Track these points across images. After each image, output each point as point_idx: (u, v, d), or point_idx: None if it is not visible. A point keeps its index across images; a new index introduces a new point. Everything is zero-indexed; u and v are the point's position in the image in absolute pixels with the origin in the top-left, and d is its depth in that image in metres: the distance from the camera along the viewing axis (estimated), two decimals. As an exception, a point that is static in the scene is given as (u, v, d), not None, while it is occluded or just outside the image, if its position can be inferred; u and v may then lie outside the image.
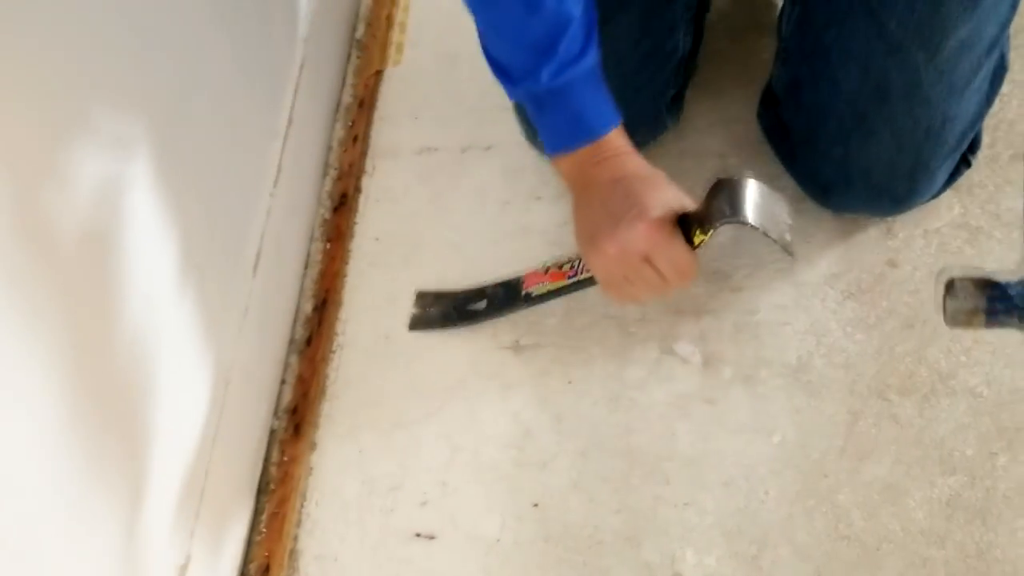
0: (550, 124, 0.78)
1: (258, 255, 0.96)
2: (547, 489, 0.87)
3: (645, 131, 0.96)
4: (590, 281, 0.86)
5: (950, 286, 0.61)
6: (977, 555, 0.77)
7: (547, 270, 0.94)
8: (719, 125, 1.03)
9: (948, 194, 0.93)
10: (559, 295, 0.92)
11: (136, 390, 0.76)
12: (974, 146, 0.88)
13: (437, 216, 1.06)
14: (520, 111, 0.95)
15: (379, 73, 1.18)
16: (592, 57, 0.74)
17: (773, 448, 0.84)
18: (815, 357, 0.88)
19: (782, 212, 0.72)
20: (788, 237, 0.71)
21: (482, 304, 0.97)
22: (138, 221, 0.76)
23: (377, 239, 1.07)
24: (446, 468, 0.91)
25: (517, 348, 0.95)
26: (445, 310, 0.99)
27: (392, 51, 1.19)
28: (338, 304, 1.03)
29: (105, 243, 0.71)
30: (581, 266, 0.89)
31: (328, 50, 1.15)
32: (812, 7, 0.83)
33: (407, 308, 1.00)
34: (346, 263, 1.06)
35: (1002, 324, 0.61)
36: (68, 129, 0.66)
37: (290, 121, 1.05)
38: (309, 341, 1.02)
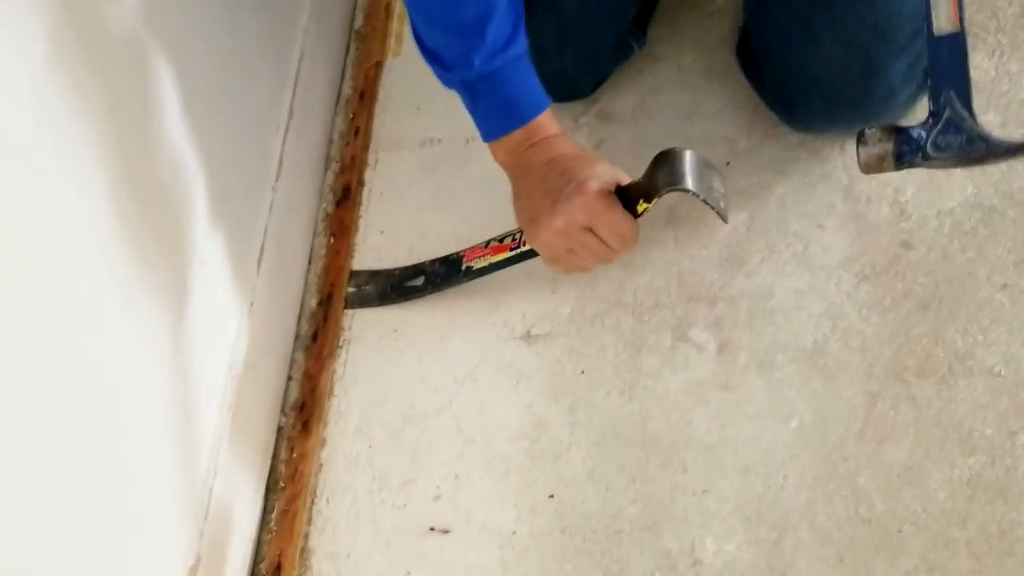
0: (483, 111, 0.80)
1: (261, 250, 0.94)
2: (562, 480, 0.86)
3: (610, 55, 0.99)
4: (532, 253, 0.87)
5: (860, 135, 0.68)
6: (999, 535, 0.76)
7: (488, 244, 0.93)
8: (727, 111, 1.02)
9: (960, 175, 0.92)
10: (500, 267, 0.92)
11: (142, 391, 0.74)
12: None
13: (443, 208, 1.04)
14: None
15: (379, 64, 1.17)
16: (520, 43, 0.77)
17: (791, 433, 0.83)
18: (831, 341, 0.87)
19: (717, 181, 0.77)
20: (723, 204, 0.77)
21: (419, 280, 0.97)
22: (138, 218, 0.75)
23: (382, 232, 1.05)
24: (459, 461, 0.89)
25: (528, 338, 0.94)
26: (381, 288, 1.00)
27: (392, 41, 1.18)
28: (343, 299, 1.02)
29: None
30: (522, 238, 0.89)
31: (327, 41, 1.14)
32: None
33: (415, 302, 0.99)
34: (351, 257, 1.04)
35: (910, 164, 0.67)
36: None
37: (290, 114, 1.03)
38: (315, 337, 1.00)
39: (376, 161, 1.10)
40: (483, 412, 0.91)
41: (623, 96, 1.06)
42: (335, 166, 1.11)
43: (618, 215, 0.76)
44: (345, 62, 1.18)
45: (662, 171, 0.76)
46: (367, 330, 0.99)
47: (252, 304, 0.92)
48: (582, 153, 0.79)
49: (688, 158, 0.76)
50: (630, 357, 0.90)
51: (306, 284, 1.04)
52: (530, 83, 0.80)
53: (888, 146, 0.67)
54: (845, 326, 0.87)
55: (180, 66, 0.82)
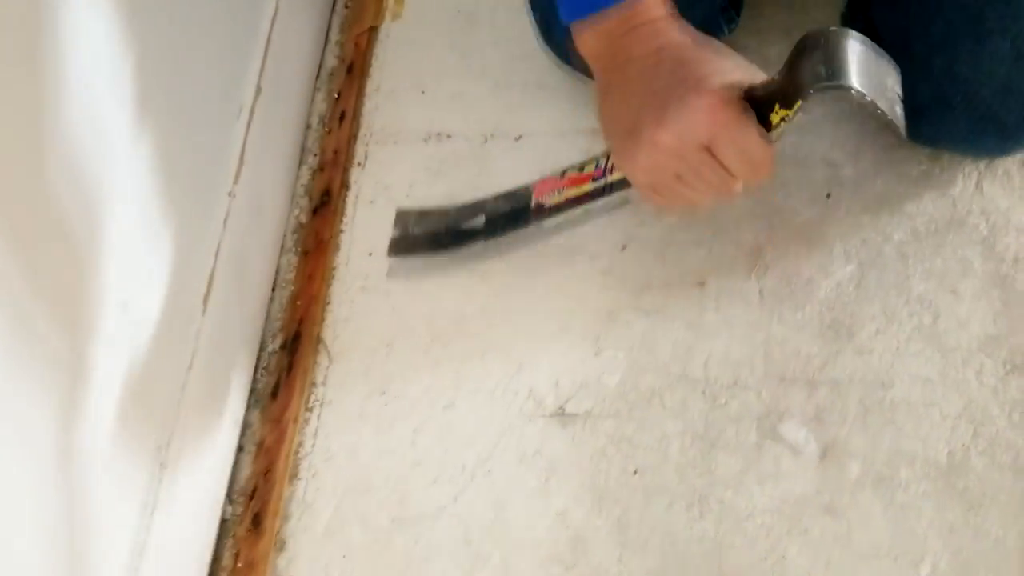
0: None
1: (210, 281, 0.70)
2: (607, 625, 0.64)
3: None
4: (623, 183, 0.66)
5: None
6: None
7: (564, 174, 0.72)
8: (826, 123, 0.79)
9: None
10: (581, 204, 0.71)
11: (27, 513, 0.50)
12: None
13: (453, 228, 0.80)
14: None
15: (373, 29, 0.91)
16: None
17: (921, 582, 0.62)
18: (972, 454, 0.65)
19: (891, 78, 0.55)
20: (899, 111, 0.55)
21: (480, 220, 0.76)
22: (23, 249, 0.50)
23: (370, 254, 0.81)
24: (466, 586, 0.67)
25: (562, 417, 0.71)
26: (433, 230, 0.78)
27: (390, 2, 0.92)
28: (314, 341, 0.77)
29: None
30: (609, 165, 0.68)
31: (308, -4, 0.88)
32: None
33: (415, 350, 0.75)
34: (328, 284, 0.80)
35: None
36: None
37: (257, 91, 0.78)
38: (275, 392, 0.76)
39: (366, 157, 0.85)
40: (500, 518, 0.68)
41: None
42: (312, 161, 0.85)
43: (749, 129, 0.55)
44: (330, 24, 0.92)
45: (810, 60, 0.53)
46: (347, 389, 0.75)
47: (194, 355, 0.67)
48: (703, 39, 0.58)
49: (848, 42, 0.53)
50: (700, 454, 0.68)
51: (268, 319, 0.79)
52: None
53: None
54: (991, 434, 0.66)
55: (104, 22, 0.56)
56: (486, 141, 0.83)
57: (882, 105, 0.53)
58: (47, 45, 0.52)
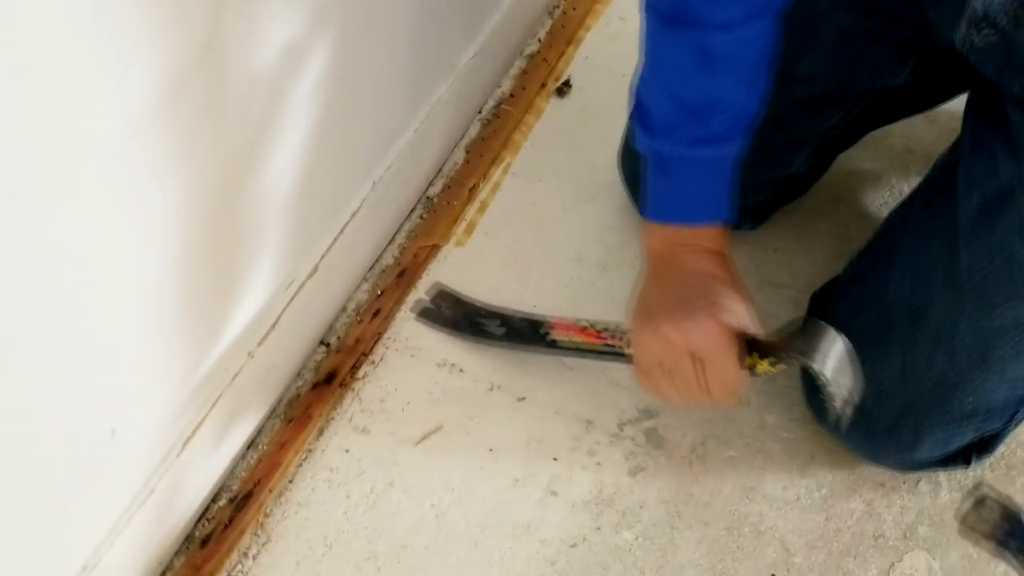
0: (660, 190, 0.75)
1: (196, 429, 0.73)
2: None
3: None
4: (623, 357, 0.79)
5: (981, 500, 0.67)
6: None
7: (579, 322, 0.84)
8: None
9: None
10: (583, 355, 0.84)
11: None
12: (985, 448, 0.81)
13: (433, 462, 0.84)
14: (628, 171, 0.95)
15: (436, 247, 0.98)
16: (734, 147, 0.71)
17: None
18: None
19: (856, 382, 0.69)
20: (848, 410, 0.70)
21: (496, 326, 0.89)
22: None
23: (348, 451, 0.84)
24: None
25: None
26: (456, 315, 0.91)
27: (460, 229, 1.00)
28: (261, 508, 0.80)
29: None
30: (620, 337, 0.80)
31: (393, 197, 0.95)
32: (913, 209, 0.81)
33: (348, 563, 0.77)
34: (299, 464, 0.83)
35: (1007, 558, 0.67)
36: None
37: (314, 271, 0.84)
38: (206, 542, 0.77)
39: (381, 358, 0.90)
40: None
41: (685, 426, 0.88)
42: (334, 341, 0.90)
43: (732, 361, 0.69)
44: (401, 227, 0.99)
45: (801, 338, 0.69)
46: (272, 573, 0.77)
47: (151, 493, 0.70)
48: (737, 284, 0.72)
49: (835, 340, 0.68)
50: None
51: (231, 474, 0.82)
52: (720, 189, 0.73)
53: (999, 529, 0.67)
54: None
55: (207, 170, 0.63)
56: (491, 390, 0.89)
57: (836, 396, 0.67)
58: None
